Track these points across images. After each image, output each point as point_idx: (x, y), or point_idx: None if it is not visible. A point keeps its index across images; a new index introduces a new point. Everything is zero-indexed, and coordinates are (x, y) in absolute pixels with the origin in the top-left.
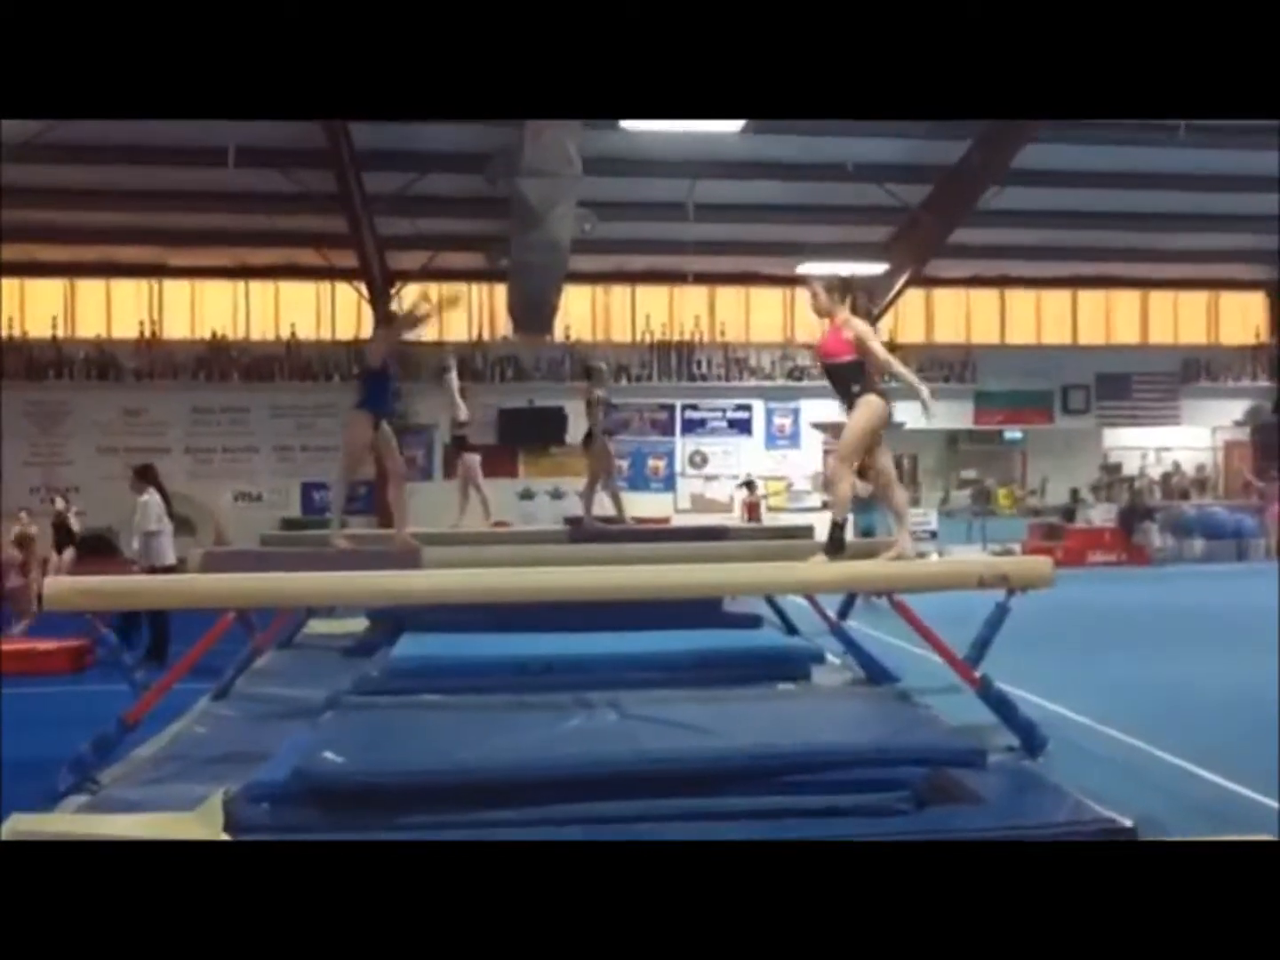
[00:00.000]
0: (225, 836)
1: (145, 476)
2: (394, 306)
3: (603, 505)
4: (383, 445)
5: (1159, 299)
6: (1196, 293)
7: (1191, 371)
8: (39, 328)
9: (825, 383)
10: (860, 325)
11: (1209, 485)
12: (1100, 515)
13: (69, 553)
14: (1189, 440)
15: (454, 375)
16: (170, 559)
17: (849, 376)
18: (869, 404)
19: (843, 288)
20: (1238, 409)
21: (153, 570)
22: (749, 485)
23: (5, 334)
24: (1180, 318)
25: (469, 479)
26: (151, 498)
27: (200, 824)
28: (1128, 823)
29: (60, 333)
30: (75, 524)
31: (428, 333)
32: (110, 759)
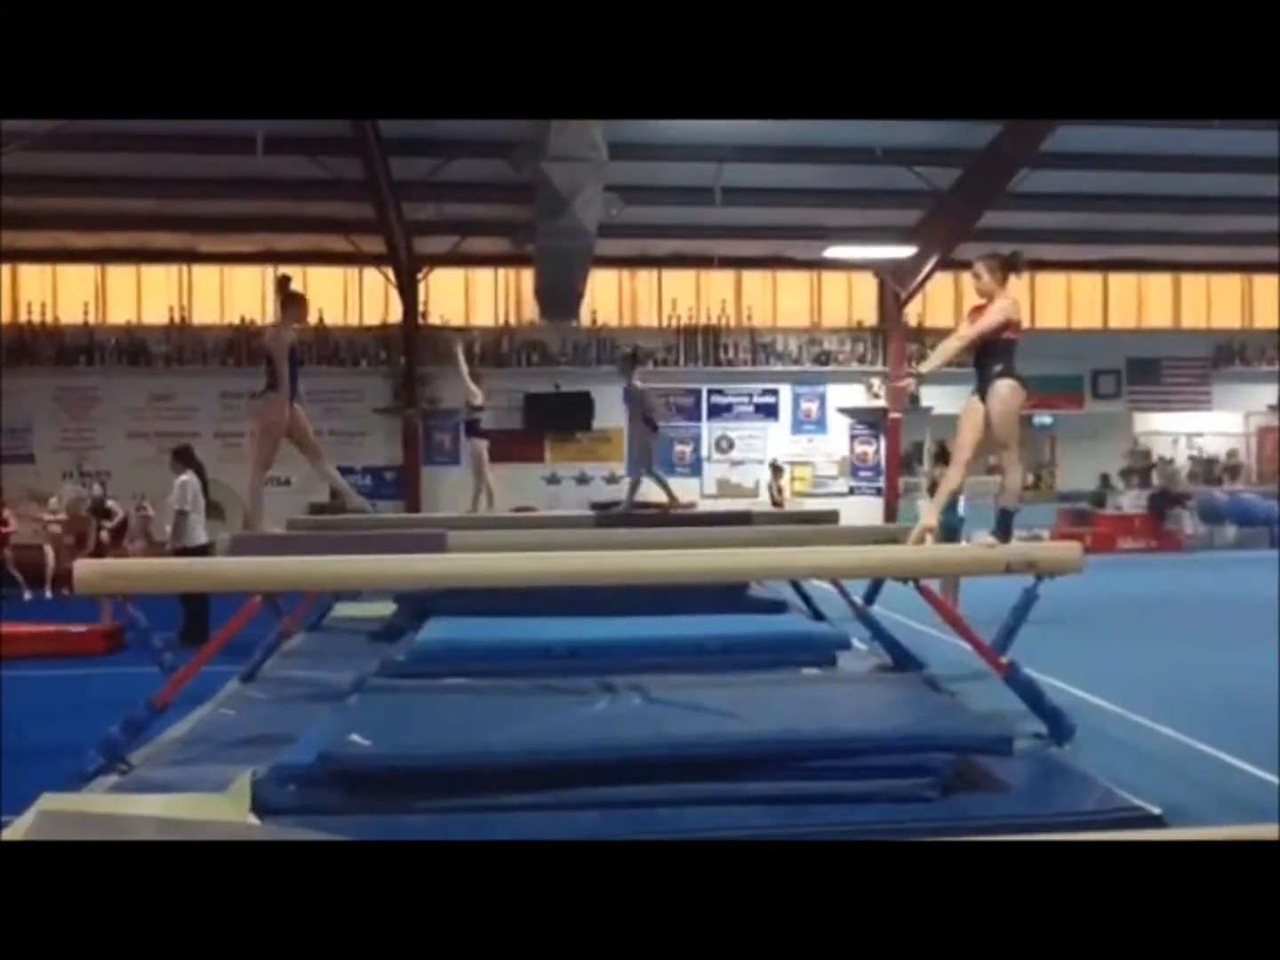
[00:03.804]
0: (253, 818)
1: (183, 458)
2: (294, 286)
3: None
4: (298, 428)
5: (1191, 282)
6: (1229, 276)
7: (1224, 355)
8: (71, 314)
9: (851, 367)
10: (1001, 313)
11: (1241, 471)
12: (1130, 501)
13: (104, 536)
14: (1221, 425)
15: (461, 358)
16: (201, 539)
17: (998, 356)
18: (1011, 389)
19: (1004, 267)
20: (1271, 393)
21: (183, 551)
22: (775, 469)
23: (38, 320)
24: (1213, 301)
25: (476, 464)
26: (189, 478)
27: (228, 805)
28: (1156, 811)
29: (91, 319)
30: (116, 507)
31: (455, 317)
32: (140, 740)
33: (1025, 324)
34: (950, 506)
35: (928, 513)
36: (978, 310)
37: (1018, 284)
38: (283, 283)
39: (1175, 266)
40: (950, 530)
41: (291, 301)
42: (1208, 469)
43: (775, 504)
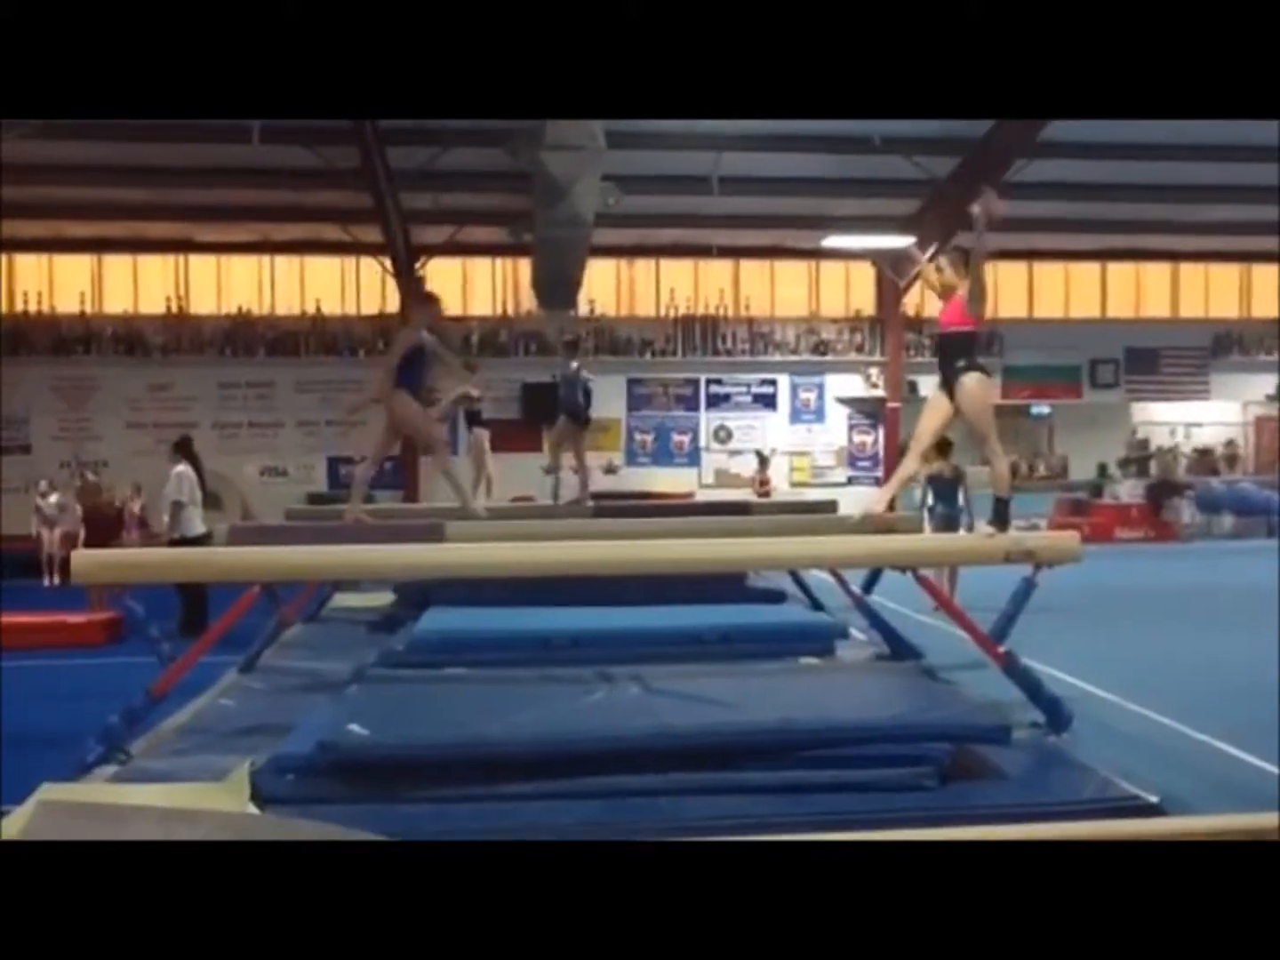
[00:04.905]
0: (251, 807)
1: (181, 449)
2: (429, 287)
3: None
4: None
5: (1189, 272)
6: (1228, 265)
7: (1222, 345)
8: (67, 303)
9: (849, 357)
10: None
11: (1239, 461)
12: (1128, 491)
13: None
14: (1219, 415)
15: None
16: (198, 529)
17: (960, 348)
18: (983, 382)
19: (967, 260)
20: (1269, 383)
21: (180, 541)
22: (760, 459)
23: (34, 310)
24: (1211, 291)
25: (478, 455)
26: (185, 469)
27: (227, 795)
28: (1153, 799)
29: (88, 308)
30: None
31: (453, 307)
32: (139, 730)
33: (1023, 313)
34: (950, 496)
35: (875, 500)
36: (948, 304)
37: (1015, 272)
38: (418, 283)
39: (1173, 256)
40: (949, 520)
41: (425, 301)
42: (1203, 460)
43: (759, 496)
